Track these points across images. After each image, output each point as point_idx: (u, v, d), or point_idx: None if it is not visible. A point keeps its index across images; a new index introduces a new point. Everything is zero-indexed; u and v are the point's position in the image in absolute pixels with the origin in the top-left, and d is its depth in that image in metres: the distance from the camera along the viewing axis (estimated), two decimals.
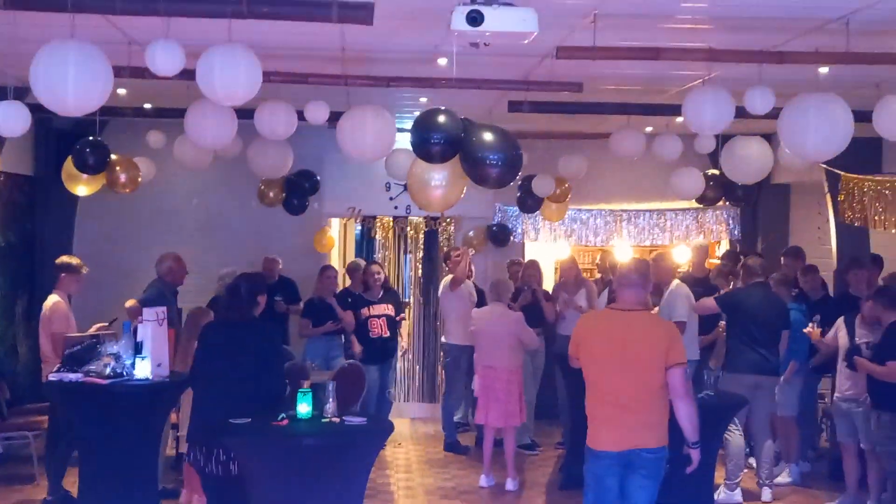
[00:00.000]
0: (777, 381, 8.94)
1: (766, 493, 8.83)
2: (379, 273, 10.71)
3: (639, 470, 5.67)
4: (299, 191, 11.61)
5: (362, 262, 11.44)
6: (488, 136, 7.26)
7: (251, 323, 6.62)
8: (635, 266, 6.08)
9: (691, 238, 13.16)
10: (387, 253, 13.38)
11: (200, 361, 6.64)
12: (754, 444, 9.02)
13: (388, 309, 10.59)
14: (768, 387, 8.85)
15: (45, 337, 8.50)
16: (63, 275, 8.72)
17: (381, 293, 10.66)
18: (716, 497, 8.68)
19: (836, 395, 8.53)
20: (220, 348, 6.52)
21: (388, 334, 10.58)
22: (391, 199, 12.60)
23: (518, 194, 12.01)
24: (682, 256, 12.43)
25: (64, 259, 8.97)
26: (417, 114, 7.81)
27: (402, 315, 11.14)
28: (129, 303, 8.88)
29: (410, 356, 12.90)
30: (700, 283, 10.07)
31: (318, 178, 11.82)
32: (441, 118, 7.38)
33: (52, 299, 8.66)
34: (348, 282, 11.35)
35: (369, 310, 10.49)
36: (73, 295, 8.99)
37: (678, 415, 5.73)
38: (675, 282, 9.45)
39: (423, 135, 7.40)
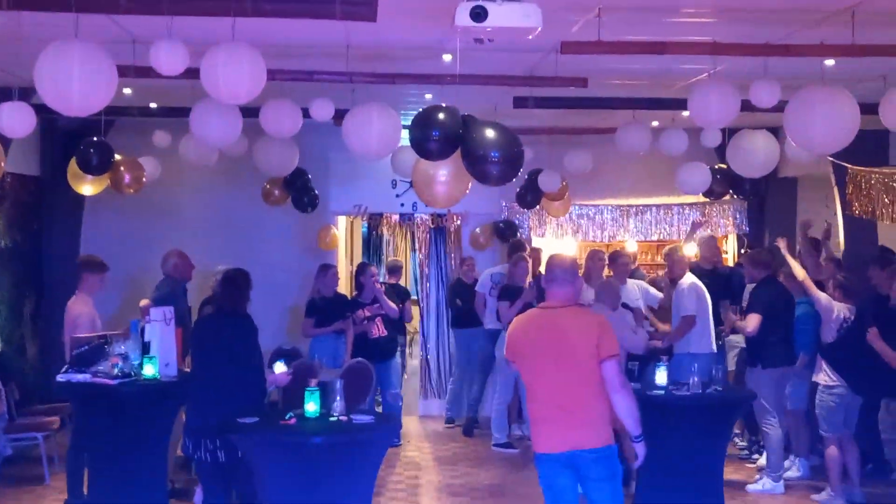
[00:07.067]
0: (802, 370, 9.02)
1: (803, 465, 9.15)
2: (375, 276, 10.70)
3: (588, 471, 5.47)
4: (291, 189, 11.56)
5: (400, 261, 11.65)
6: (489, 134, 7.24)
7: (235, 319, 6.71)
8: (561, 262, 5.85)
9: (698, 232, 13.11)
10: (394, 250, 13.37)
11: (194, 357, 6.86)
12: (791, 434, 9.10)
13: (382, 309, 10.54)
14: (793, 375, 9.01)
15: (69, 341, 8.10)
16: (86, 274, 8.51)
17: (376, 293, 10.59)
18: (760, 487, 8.88)
19: (825, 385, 8.51)
20: (206, 344, 6.68)
21: (386, 333, 10.57)
22: (397, 196, 12.59)
23: (517, 190, 11.96)
24: (689, 251, 12.37)
25: (86, 257, 8.90)
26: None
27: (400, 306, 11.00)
28: (143, 302, 8.85)
29: (419, 352, 12.91)
30: (707, 275, 10.06)
31: (309, 175, 11.69)
32: (439, 115, 7.37)
33: (78, 304, 8.40)
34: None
35: (364, 312, 10.46)
36: (95, 294, 8.63)
37: (616, 409, 5.49)
38: (688, 276, 9.48)
39: (421, 132, 7.39)
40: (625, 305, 8.88)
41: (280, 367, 6.97)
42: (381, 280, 11.65)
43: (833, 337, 8.41)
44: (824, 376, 8.45)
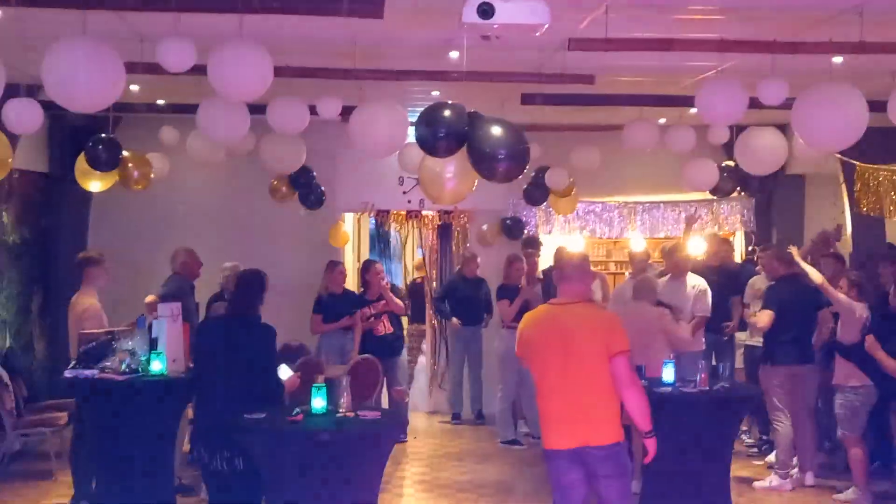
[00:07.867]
0: (814, 369, 8.96)
1: (809, 477, 8.97)
2: (380, 273, 10.72)
3: (597, 468, 5.47)
4: (296, 186, 11.56)
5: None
6: (495, 131, 7.22)
7: (248, 322, 6.59)
8: (571, 259, 5.90)
9: (706, 230, 13.09)
10: (401, 247, 13.38)
11: (198, 360, 6.70)
12: (796, 432, 9.02)
13: (388, 306, 10.56)
14: (806, 375, 8.95)
15: (76, 337, 8.12)
16: (89, 269, 8.50)
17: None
18: (768, 484, 8.88)
19: (851, 386, 8.44)
20: (217, 347, 6.52)
21: (392, 330, 10.59)
22: (404, 192, 12.58)
23: (524, 186, 11.95)
24: (696, 248, 12.36)
25: (86, 253, 8.92)
26: None
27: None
28: (149, 298, 8.85)
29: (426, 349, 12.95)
30: (716, 273, 10.04)
31: (314, 172, 11.63)
32: (445, 112, 7.35)
33: (85, 299, 8.38)
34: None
35: (371, 309, 10.47)
36: (101, 288, 8.60)
37: (626, 405, 5.50)
38: (697, 277, 9.49)
39: (426, 129, 7.38)
40: (659, 303, 8.87)
41: (285, 371, 6.88)
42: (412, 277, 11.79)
43: (856, 337, 8.29)
44: (853, 378, 8.36)
